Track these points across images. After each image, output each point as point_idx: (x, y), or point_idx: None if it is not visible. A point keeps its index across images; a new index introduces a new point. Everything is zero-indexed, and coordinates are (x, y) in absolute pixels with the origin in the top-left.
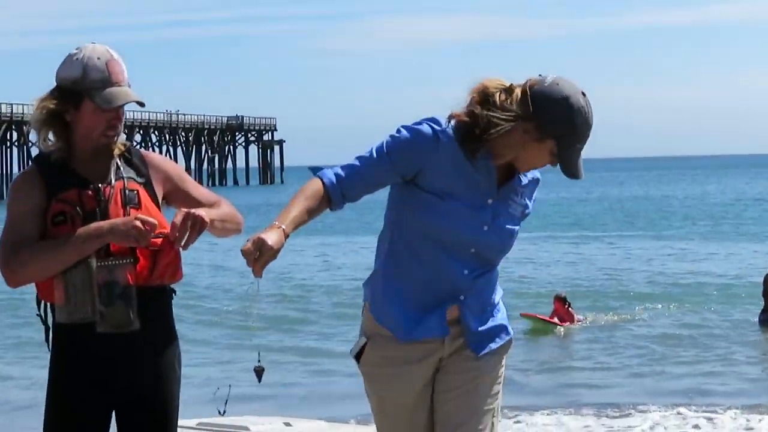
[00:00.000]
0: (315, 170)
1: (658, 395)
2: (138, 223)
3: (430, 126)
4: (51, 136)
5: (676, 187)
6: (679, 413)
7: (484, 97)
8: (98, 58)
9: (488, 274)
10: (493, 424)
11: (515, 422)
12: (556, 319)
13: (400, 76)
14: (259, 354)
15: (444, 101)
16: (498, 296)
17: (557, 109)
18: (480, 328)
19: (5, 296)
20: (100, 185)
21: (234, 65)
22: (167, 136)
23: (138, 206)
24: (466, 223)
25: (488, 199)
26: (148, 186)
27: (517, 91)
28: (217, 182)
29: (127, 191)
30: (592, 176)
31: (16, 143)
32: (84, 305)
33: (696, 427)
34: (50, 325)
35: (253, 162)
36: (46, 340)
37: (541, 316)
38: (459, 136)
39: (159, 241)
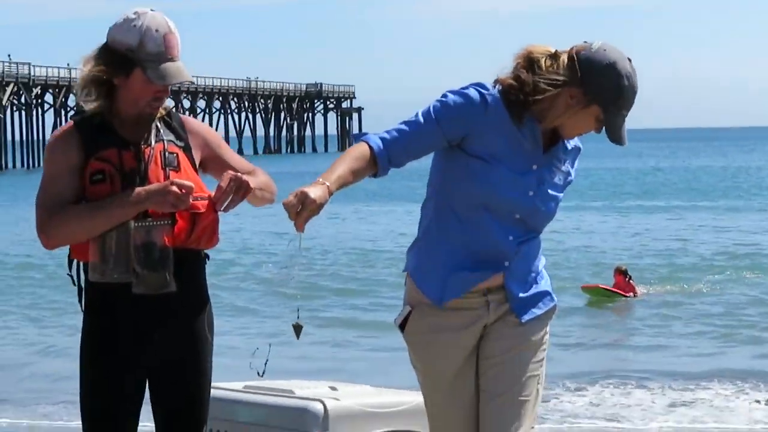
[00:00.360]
0: (358, 137)
1: (722, 374)
2: (175, 189)
3: (478, 90)
4: (94, 93)
5: (722, 159)
6: (743, 391)
7: (529, 63)
8: (156, 30)
9: (532, 241)
10: (537, 391)
11: (575, 394)
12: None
13: (482, 44)
14: (298, 310)
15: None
16: (541, 264)
17: (604, 75)
18: (523, 294)
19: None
20: (140, 146)
21: (313, 32)
22: (246, 103)
23: (177, 169)
24: (511, 188)
25: (533, 165)
26: (187, 150)
27: (564, 57)
28: (295, 149)
29: (167, 153)
30: (638, 146)
31: (51, 107)
32: (120, 265)
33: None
34: (82, 285)
35: (332, 129)
36: (80, 300)
37: (603, 286)
38: (505, 100)
39: (198, 204)
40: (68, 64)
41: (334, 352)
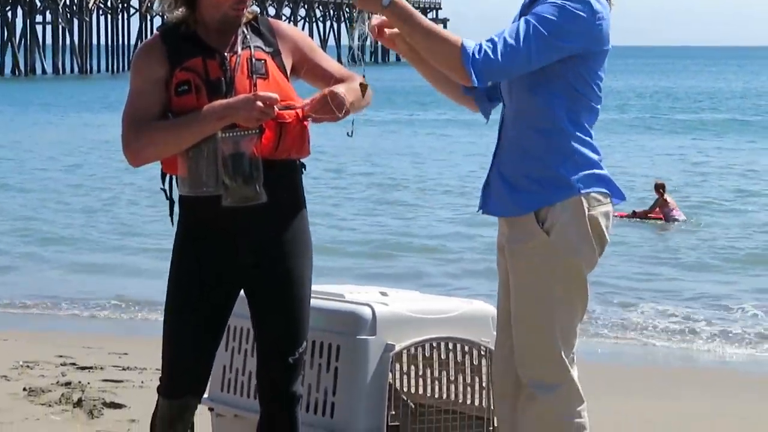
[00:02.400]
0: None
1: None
2: (259, 104)
3: None
4: (176, 3)
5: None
6: None
7: None
8: None
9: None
10: (551, 316)
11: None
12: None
13: None
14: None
15: None
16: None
17: None
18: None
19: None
20: (225, 54)
21: None
22: (332, 11)
23: (265, 76)
24: None
25: None
26: (276, 56)
27: None
28: (379, 59)
29: (254, 60)
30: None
31: (137, 11)
32: (208, 177)
33: None
34: (174, 199)
35: None
36: (170, 214)
37: (619, 213)
38: None
39: (285, 113)
40: None
41: None
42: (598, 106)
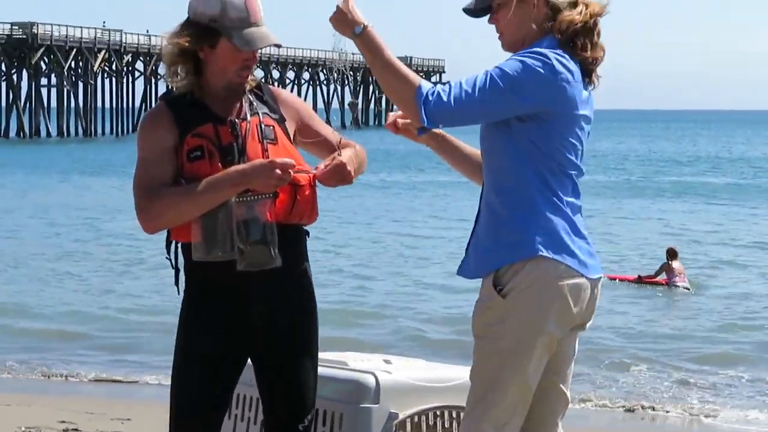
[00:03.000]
0: None
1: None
2: (277, 171)
3: None
4: (181, 71)
5: None
6: None
7: None
8: None
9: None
10: (484, 377)
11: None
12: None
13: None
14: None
15: None
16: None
17: None
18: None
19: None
20: (235, 120)
21: (403, 4)
22: (335, 75)
23: (275, 142)
24: None
25: None
26: (282, 122)
27: None
28: (382, 122)
29: (263, 126)
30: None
31: (141, 74)
32: (223, 243)
33: None
34: (179, 268)
35: None
36: (176, 283)
37: (624, 277)
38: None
39: (299, 177)
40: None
41: None
42: (572, 172)
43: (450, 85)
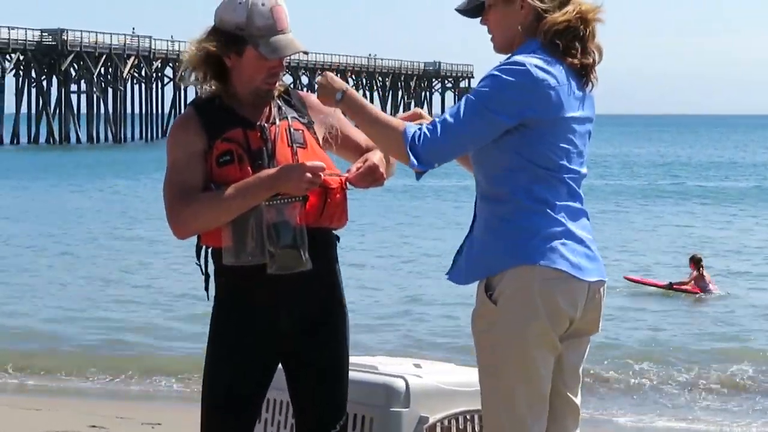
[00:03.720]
0: None
1: None
2: (308, 174)
3: None
4: (206, 76)
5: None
6: None
7: None
8: (263, 4)
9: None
10: (495, 386)
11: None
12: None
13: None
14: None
15: None
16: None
17: None
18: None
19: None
20: (264, 124)
21: (433, 10)
22: (364, 80)
23: (304, 146)
24: None
25: None
26: (310, 126)
27: None
28: None
29: (292, 130)
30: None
31: (171, 80)
32: (254, 246)
33: None
34: (209, 274)
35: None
36: (206, 288)
37: (645, 280)
38: None
39: (329, 180)
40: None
41: None
42: (567, 176)
43: (435, 122)
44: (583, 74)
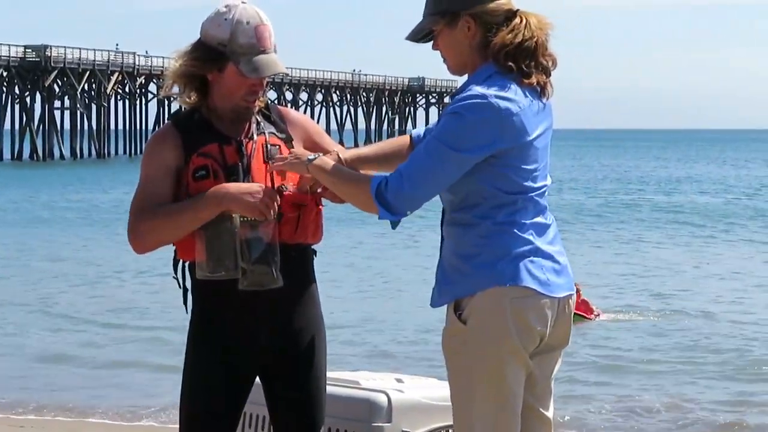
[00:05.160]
0: None
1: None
2: (260, 202)
3: None
4: (185, 90)
5: None
6: None
7: None
8: (247, 23)
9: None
10: (467, 405)
11: None
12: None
13: (586, 39)
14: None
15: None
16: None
17: None
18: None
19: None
20: (242, 140)
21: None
22: (348, 96)
23: None
24: None
25: None
26: (289, 142)
27: None
28: None
29: (269, 146)
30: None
31: (155, 96)
32: (226, 262)
33: None
34: (187, 288)
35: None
36: (185, 302)
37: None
38: None
39: (305, 197)
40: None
41: None
42: (532, 194)
43: (400, 171)
44: (540, 88)
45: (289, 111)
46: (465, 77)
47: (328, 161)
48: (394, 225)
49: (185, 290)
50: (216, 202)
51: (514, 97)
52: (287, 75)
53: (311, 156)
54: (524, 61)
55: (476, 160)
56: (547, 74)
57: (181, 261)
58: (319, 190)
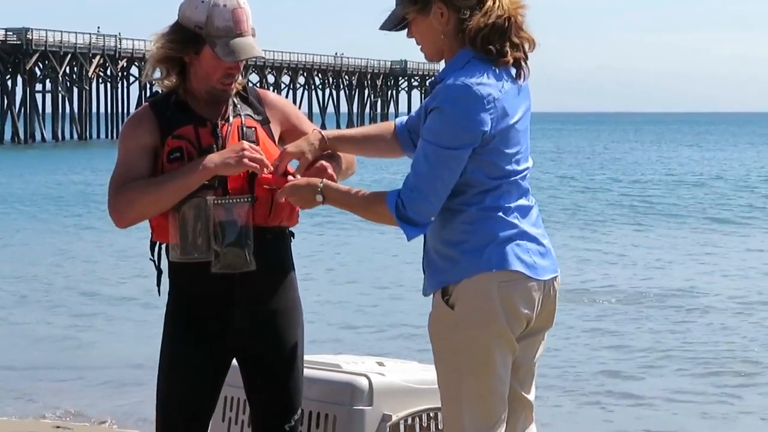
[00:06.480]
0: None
1: None
2: (255, 152)
3: None
4: (164, 73)
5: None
6: None
7: None
8: (224, 5)
9: None
10: (457, 390)
11: None
12: None
13: (566, 25)
14: None
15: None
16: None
17: None
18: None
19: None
20: (217, 122)
21: None
22: (330, 79)
23: (256, 143)
24: None
25: None
26: (265, 124)
27: None
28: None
29: (244, 128)
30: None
31: (136, 80)
32: (199, 244)
33: None
34: (162, 270)
35: (416, 107)
36: (158, 284)
37: None
38: None
39: (278, 180)
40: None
41: None
42: (515, 178)
43: (407, 185)
44: (516, 67)
45: (267, 93)
46: (443, 63)
47: (338, 186)
48: (410, 238)
49: (159, 272)
50: (195, 166)
51: (492, 82)
52: (264, 58)
53: (318, 184)
54: (499, 40)
55: (472, 149)
56: (525, 54)
57: (157, 243)
58: (293, 172)
